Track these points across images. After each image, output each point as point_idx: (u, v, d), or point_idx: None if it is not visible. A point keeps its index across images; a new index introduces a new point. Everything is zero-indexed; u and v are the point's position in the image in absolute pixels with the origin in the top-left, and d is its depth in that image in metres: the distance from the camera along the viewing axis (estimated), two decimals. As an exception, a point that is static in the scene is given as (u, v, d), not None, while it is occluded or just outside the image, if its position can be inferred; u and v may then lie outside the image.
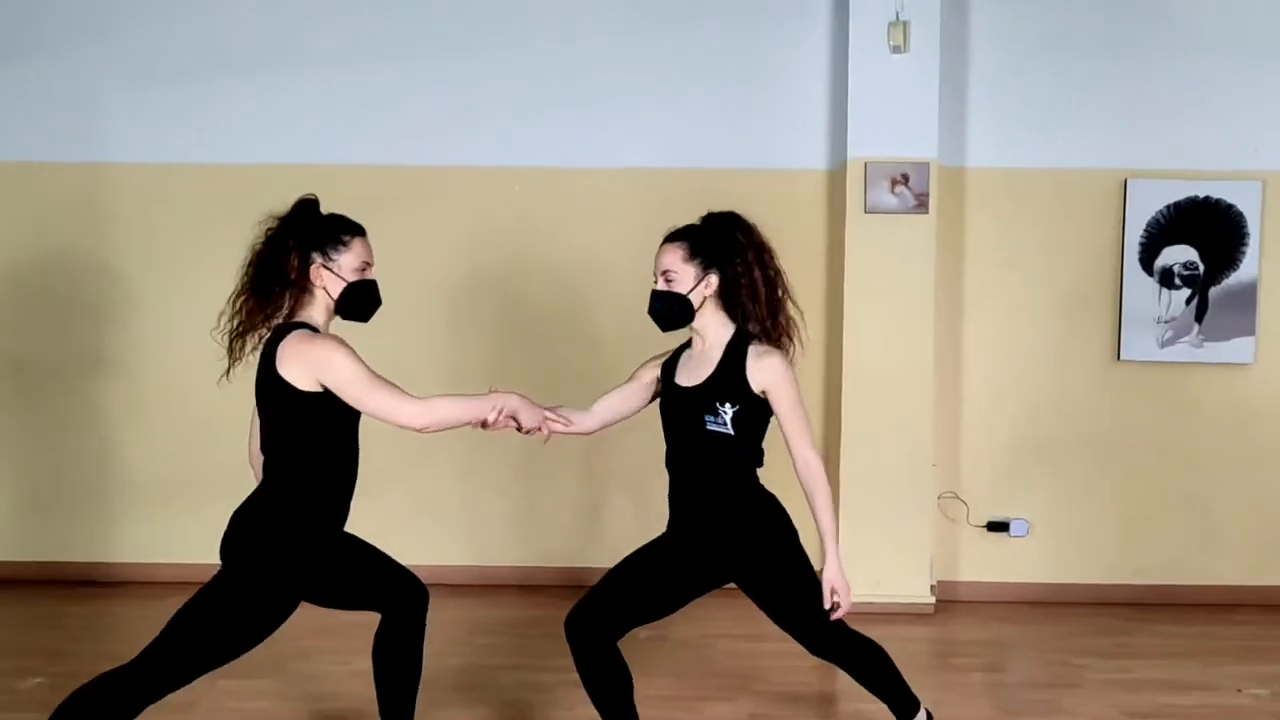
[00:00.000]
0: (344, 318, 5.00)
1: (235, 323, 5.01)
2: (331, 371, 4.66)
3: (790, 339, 5.18)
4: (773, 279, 5.09)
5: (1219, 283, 8.38)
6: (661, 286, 5.00)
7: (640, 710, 5.46)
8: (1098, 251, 8.45)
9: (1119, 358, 8.46)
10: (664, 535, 5.19)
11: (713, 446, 4.94)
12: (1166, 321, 8.40)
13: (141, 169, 8.60)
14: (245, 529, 4.88)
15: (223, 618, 4.70)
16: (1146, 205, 8.37)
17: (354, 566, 5.02)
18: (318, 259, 4.89)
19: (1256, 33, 8.39)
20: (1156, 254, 8.38)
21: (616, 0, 8.51)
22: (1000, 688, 6.77)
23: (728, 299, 5.01)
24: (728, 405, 4.88)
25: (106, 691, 4.63)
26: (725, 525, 4.98)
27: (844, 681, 6.93)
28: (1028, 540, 8.50)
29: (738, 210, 5.16)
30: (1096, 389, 8.50)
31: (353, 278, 4.92)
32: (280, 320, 4.90)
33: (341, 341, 4.74)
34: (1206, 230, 8.36)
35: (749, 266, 4.99)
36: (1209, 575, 8.51)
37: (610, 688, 5.01)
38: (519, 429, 4.86)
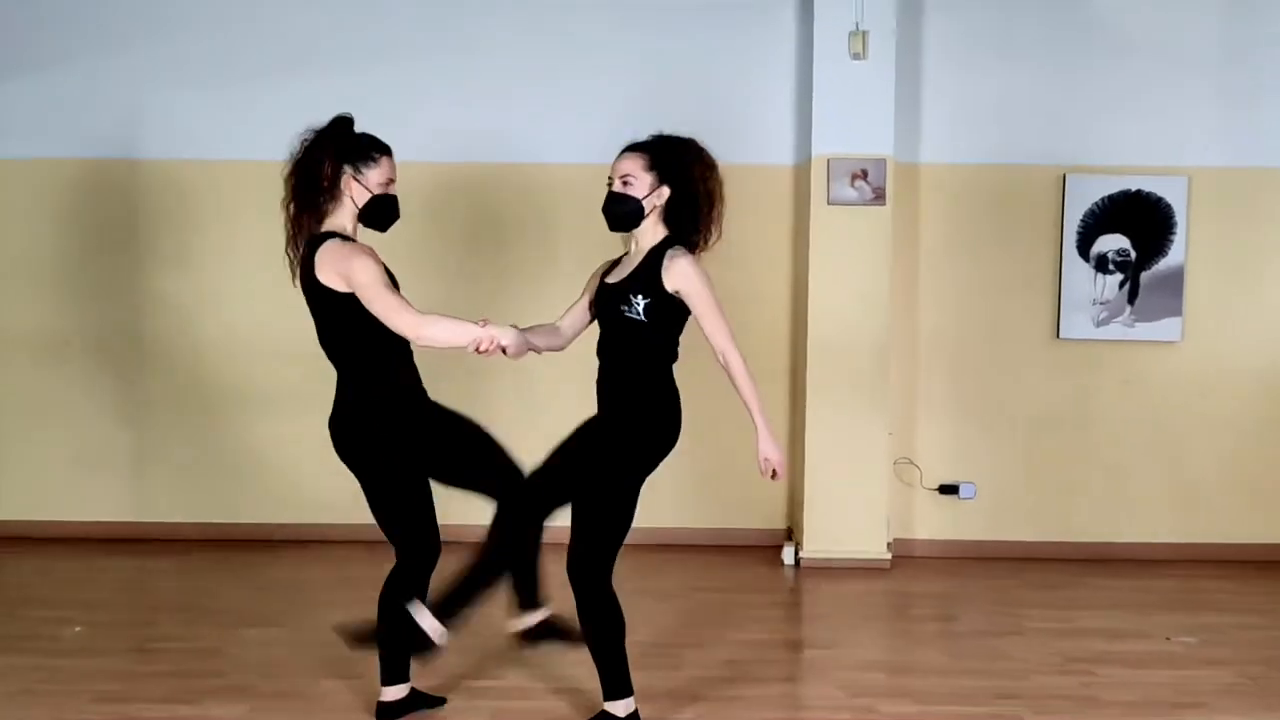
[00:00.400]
0: (365, 225, 5.18)
1: (288, 230, 5.32)
2: (354, 274, 4.85)
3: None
4: (712, 195, 5.04)
5: (1149, 268, 8.41)
6: (618, 189, 4.98)
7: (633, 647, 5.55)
8: (1039, 240, 8.47)
9: (1058, 336, 8.49)
10: (589, 420, 5.23)
11: (628, 332, 4.95)
12: (1101, 303, 8.43)
13: (175, 164, 8.59)
14: (343, 433, 5.03)
15: (402, 497, 5.04)
16: (1083, 198, 8.39)
17: (453, 437, 5.12)
18: (349, 170, 5.07)
19: (1182, 41, 8.39)
20: (1092, 242, 8.41)
21: (602, 11, 8.50)
22: (951, 636, 6.80)
23: (669, 212, 5.01)
24: (640, 297, 4.89)
25: (400, 578, 5.03)
26: (623, 404, 5.04)
27: (808, 630, 6.99)
28: (975, 502, 8.55)
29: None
30: (1038, 365, 8.53)
31: (378, 191, 5.09)
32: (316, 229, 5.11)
33: (369, 250, 4.94)
34: (1137, 220, 8.38)
35: (696, 185, 4.99)
36: (1138, 533, 8.56)
37: (605, 629, 4.99)
38: (504, 353, 4.88)
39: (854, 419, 8.13)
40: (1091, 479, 8.58)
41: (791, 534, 8.58)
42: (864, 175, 8.05)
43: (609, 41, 8.57)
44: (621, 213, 4.98)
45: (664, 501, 8.61)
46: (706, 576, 7.81)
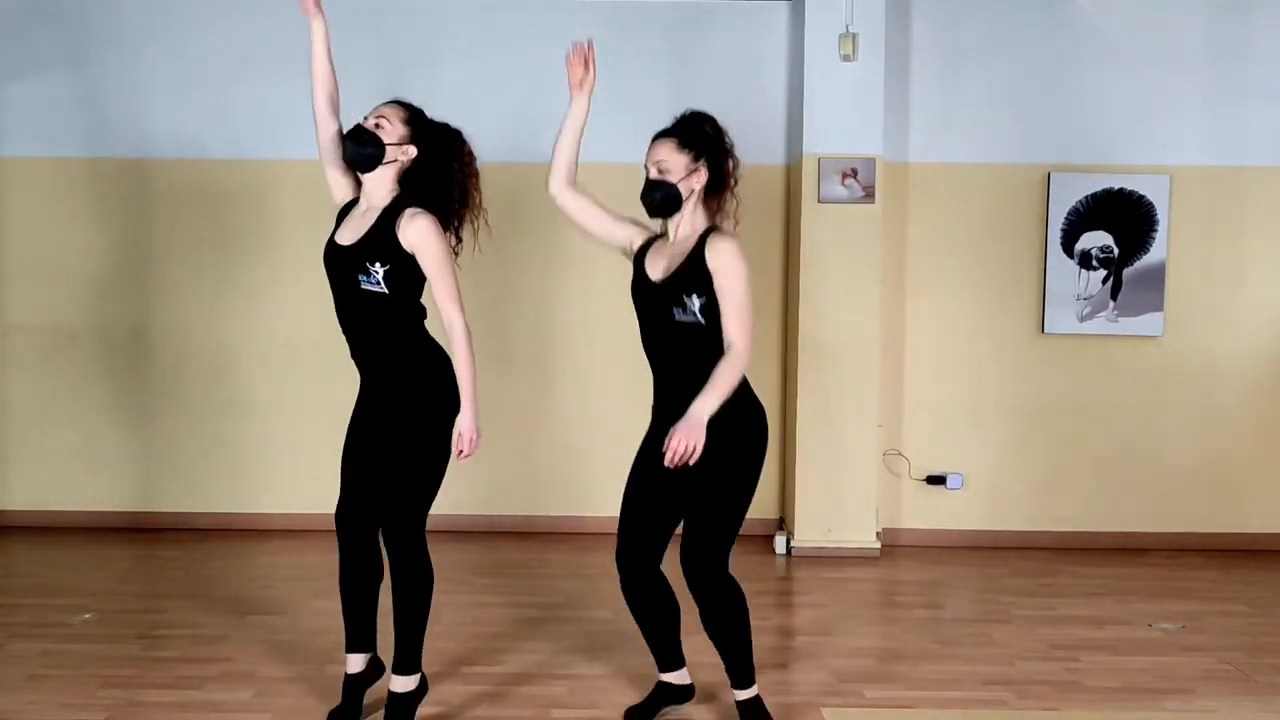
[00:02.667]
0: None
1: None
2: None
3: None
4: (733, 175, 4.86)
5: (1132, 264, 8.41)
6: (654, 176, 4.80)
7: (620, 640, 5.55)
8: (1024, 237, 8.49)
9: (1043, 331, 8.50)
10: (650, 431, 4.98)
11: (686, 337, 4.69)
12: (1085, 299, 8.43)
13: (183, 163, 8.59)
14: (411, 394, 4.89)
15: (434, 460, 4.82)
16: (1067, 196, 8.39)
17: None
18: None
19: (1165, 44, 8.41)
20: (1076, 239, 8.40)
21: (598, 14, 8.48)
22: (939, 623, 6.79)
23: (708, 193, 4.81)
24: (694, 297, 4.63)
25: (401, 547, 4.81)
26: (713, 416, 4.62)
27: (799, 617, 6.99)
28: (962, 492, 8.55)
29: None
30: (1023, 359, 8.54)
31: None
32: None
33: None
34: (1120, 218, 8.38)
35: (725, 162, 4.83)
36: (1121, 523, 8.56)
37: (735, 619, 4.95)
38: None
39: (843, 411, 8.14)
40: (1075, 470, 8.58)
41: (783, 523, 8.58)
42: (854, 174, 8.05)
43: (600, 43, 8.51)
44: (660, 198, 4.79)
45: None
46: None
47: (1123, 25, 8.43)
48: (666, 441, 4.50)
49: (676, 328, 4.70)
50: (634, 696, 5.32)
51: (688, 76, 8.51)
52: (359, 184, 5.03)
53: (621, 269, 5.13)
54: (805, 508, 8.20)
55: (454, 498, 8.48)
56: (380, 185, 4.93)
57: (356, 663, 5.12)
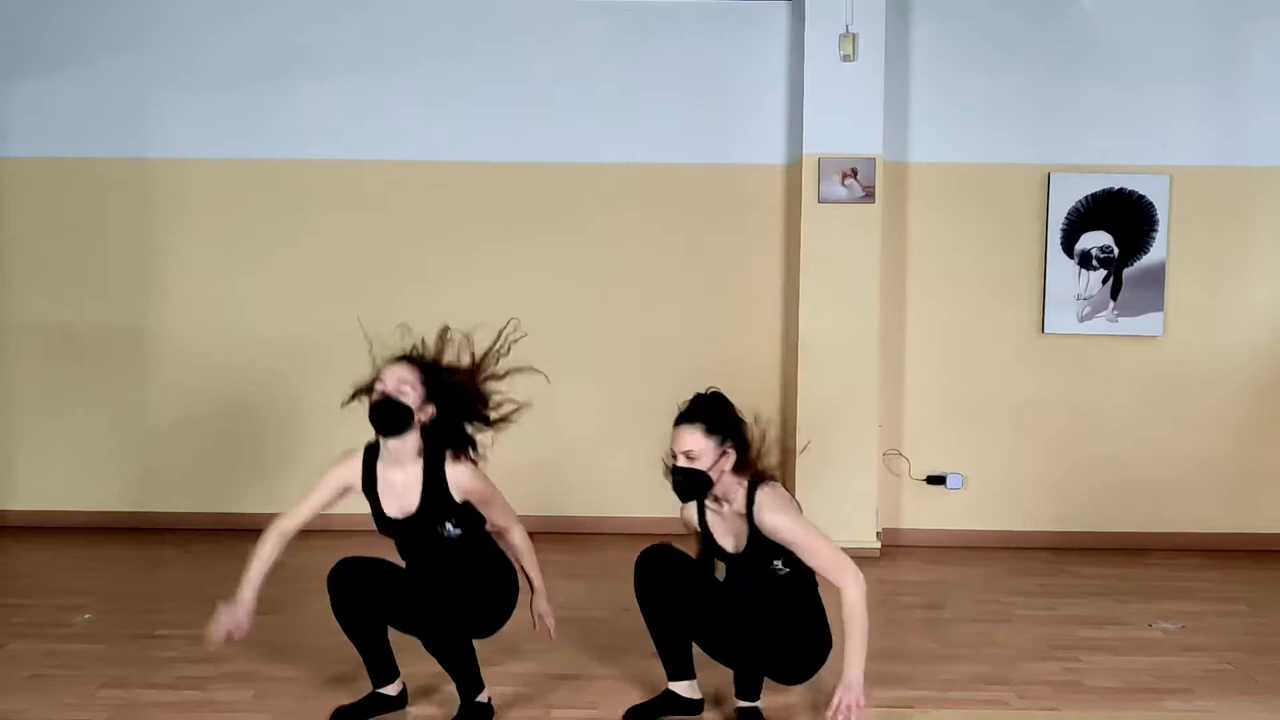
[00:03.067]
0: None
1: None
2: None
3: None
4: (756, 445, 5.01)
5: (1131, 264, 8.41)
6: (683, 464, 4.86)
7: (621, 640, 5.59)
8: (1024, 237, 8.50)
9: (1043, 331, 8.50)
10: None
11: (779, 586, 4.96)
12: (1085, 299, 8.42)
13: (181, 163, 8.61)
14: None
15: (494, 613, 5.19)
16: (1067, 196, 8.39)
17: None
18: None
19: (1166, 45, 8.41)
20: (1076, 239, 8.40)
21: (600, 17, 8.50)
22: (939, 623, 6.77)
23: (739, 463, 4.91)
24: (779, 562, 4.90)
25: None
26: (786, 637, 4.97)
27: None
28: (962, 492, 8.54)
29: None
30: (1023, 359, 8.53)
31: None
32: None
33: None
34: (1120, 218, 8.38)
35: (746, 437, 4.95)
36: (1120, 523, 8.56)
37: (668, 620, 5.07)
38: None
39: (844, 411, 8.13)
40: (1075, 470, 8.57)
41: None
42: (854, 174, 8.05)
43: (602, 43, 8.56)
44: (692, 487, 4.90)
45: (656, 494, 8.59)
46: None
47: (1123, 25, 8.42)
48: (835, 703, 4.72)
49: (774, 580, 4.93)
50: (635, 697, 5.30)
51: (688, 76, 8.52)
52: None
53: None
54: (805, 507, 8.13)
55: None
56: (407, 445, 5.02)
57: (392, 689, 5.18)
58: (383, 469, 5.07)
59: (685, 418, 4.93)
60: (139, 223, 8.65)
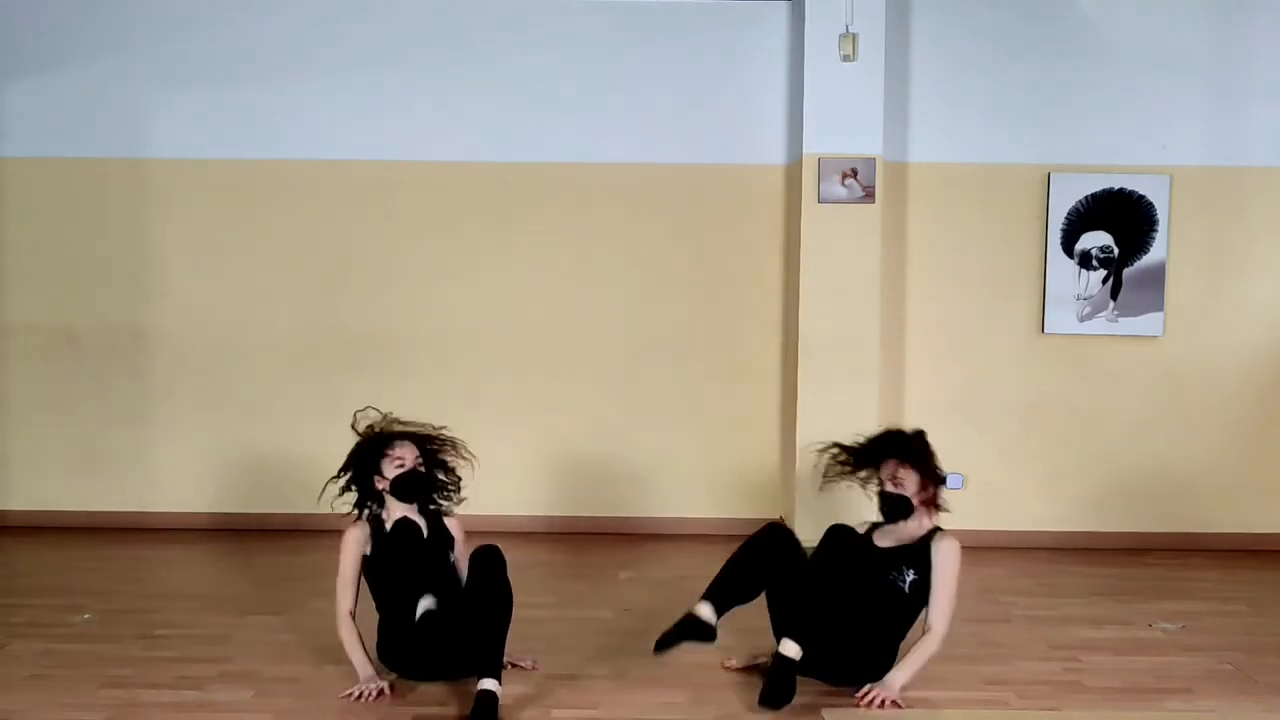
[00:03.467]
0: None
1: None
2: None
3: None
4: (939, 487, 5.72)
5: (1131, 264, 8.41)
6: (890, 489, 5.63)
7: (622, 641, 5.83)
8: (1024, 237, 8.50)
9: (1043, 331, 8.51)
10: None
11: (887, 597, 5.50)
12: (1085, 299, 8.43)
13: (179, 164, 8.63)
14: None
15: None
16: (1067, 195, 8.40)
17: None
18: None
19: (1165, 45, 8.41)
20: (1076, 239, 8.41)
21: (599, 15, 8.51)
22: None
23: (931, 501, 5.63)
24: (910, 571, 5.49)
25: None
26: (866, 654, 5.48)
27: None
28: (962, 492, 8.38)
29: None
30: (1023, 359, 8.53)
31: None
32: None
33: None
34: (1120, 218, 8.38)
35: (938, 477, 5.69)
36: (1120, 523, 8.56)
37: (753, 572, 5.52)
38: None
39: (844, 411, 8.03)
40: (1075, 470, 8.58)
41: (783, 522, 8.54)
42: (854, 174, 8.05)
43: (602, 42, 8.56)
44: (899, 508, 5.62)
45: (654, 491, 8.63)
46: (699, 564, 7.70)
47: (1122, 25, 8.43)
48: (867, 690, 5.30)
49: (886, 588, 5.49)
50: (636, 697, 5.32)
51: (688, 76, 8.53)
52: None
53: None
54: (805, 507, 8.17)
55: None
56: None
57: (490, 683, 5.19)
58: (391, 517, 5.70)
59: (907, 457, 5.66)
60: (137, 222, 8.65)
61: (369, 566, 5.55)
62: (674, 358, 8.59)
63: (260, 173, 8.59)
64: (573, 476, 8.75)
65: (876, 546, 5.65)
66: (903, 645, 5.50)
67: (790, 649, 5.23)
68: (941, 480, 5.71)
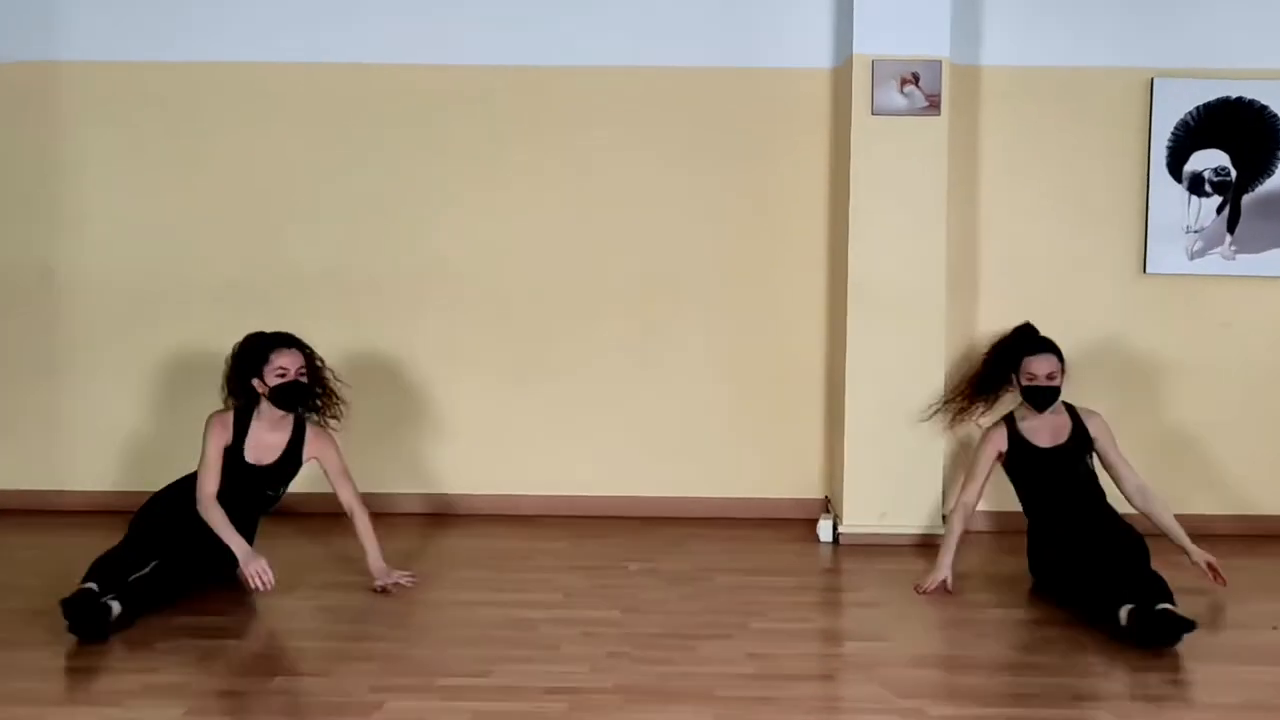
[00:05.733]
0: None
1: None
2: None
3: None
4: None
5: (1252, 190, 8.36)
6: (1043, 384, 7.30)
7: (631, 646, 5.80)
8: (1121, 156, 8.46)
9: (1145, 271, 8.47)
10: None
11: (1088, 481, 7.41)
12: (1196, 231, 8.38)
13: (92, 67, 8.60)
14: None
15: None
16: (1174, 106, 8.35)
17: None
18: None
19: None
20: (1185, 159, 8.35)
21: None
22: (1018, 625, 6.71)
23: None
24: (1090, 457, 7.45)
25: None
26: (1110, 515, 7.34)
27: (848, 619, 6.95)
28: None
29: None
30: (1121, 304, 8.47)
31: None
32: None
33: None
34: (1239, 133, 8.33)
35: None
36: (1241, 504, 8.52)
37: None
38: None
39: (904, 367, 8.09)
40: (1184, 439, 8.54)
41: (829, 505, 8.53)
42: (915, 80, 8.01)
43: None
44: (1054, 399, 7.36)
45: (670, 466, 8.62)
46: (727, 555, 7.77)
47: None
48: (1205, 560, 7.26)
49: (1082, 476, 7.40)
50: (635, 698, 5.36)
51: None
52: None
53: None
54: (856, 485, 8.15)
55: (429, 472, 8.50)
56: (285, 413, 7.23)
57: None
58: (257, 428, 7.10)
59: (1045, 347, 7.39)
60: (45, 139, 8.66)
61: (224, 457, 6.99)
62: (696, 305, 8.60)
63: (194, 78, 8.56)
64: (573, 448, 8.80)
65: (1042, 449, 7.38)
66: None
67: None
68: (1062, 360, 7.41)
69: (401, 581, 6.96)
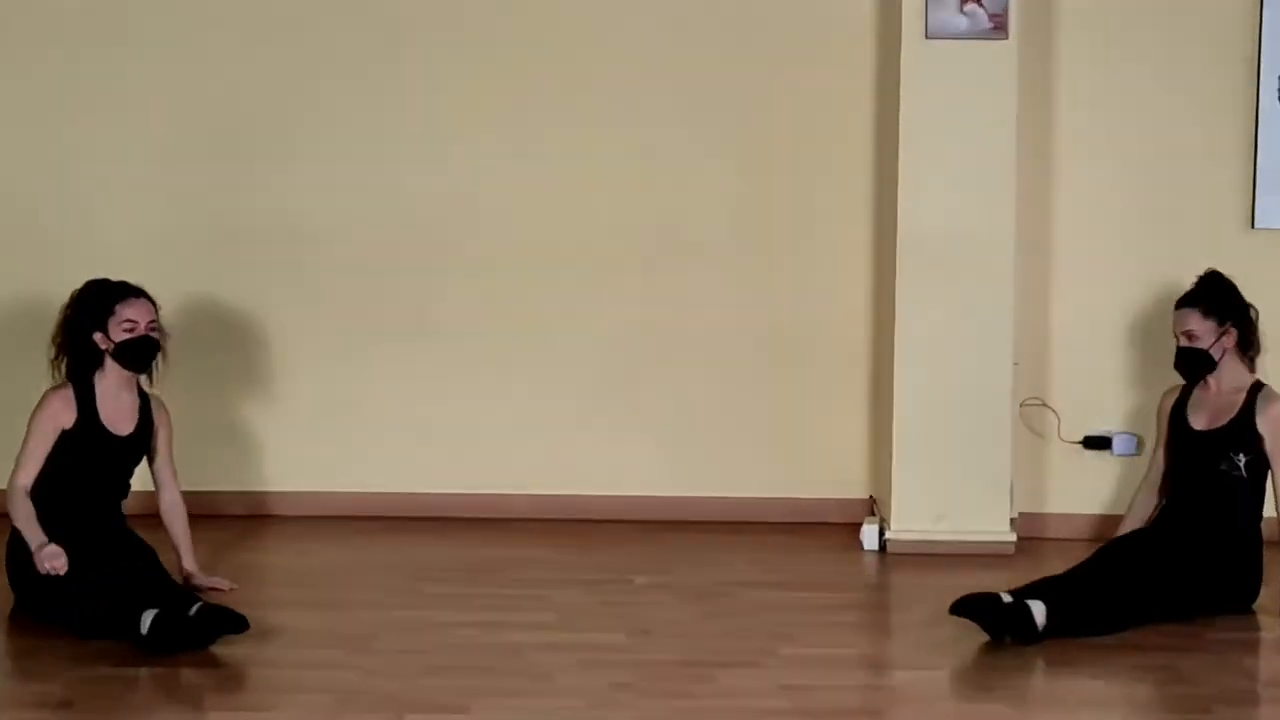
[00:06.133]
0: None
1: None
2: None
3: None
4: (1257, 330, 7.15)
5: (1391, 122, 8.27)
6: (1184, 344, 7.04)
7: (639, 677, 5.87)
8: (1224, 83, 8.41)
9: (1252, 225, 8.41)
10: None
11: (1226, 488, 6.96)
12: (1313, 178, 8.29)
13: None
14: None
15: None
16: (1289, 22, 8.24)
17: None
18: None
19: None
20: (1303, 91, 8.27)
21: None
22: (1097, 649, 6.50)
23: (1244, 342, 7.06)
24: (1242, 455, 6.88)
25: None
26: (1210, 553, 6.85)
27: (897, 643, 6.88)
28: (1136, 460, 8.39)
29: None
30: (1225, 263, 8.29)
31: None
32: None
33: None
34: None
35: (1249, 319, 7.09)
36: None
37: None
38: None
39: (963, 342, 8.01)
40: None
41: (875, 507, 8.46)
42: (977, -3, 7.91)
43: None
44: (1195, 367, 7.08)
45: (686, 461, 8.57)
46: (757, 566, 7.76)
47: None
48: None
49: (1219, 476, 6.95)
50: (635, 699, 5.48)
51: None
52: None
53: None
54: (907, 484, 8.10)
55: (390, 469, 8.44)
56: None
57: None
58: (104, 393, 7.00)
59: (1184, 300, 7.12)
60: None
61: (65, 442, 6.85)
62: (715, 263, 8.57)
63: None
64: (573, 441, 8.74)
65: (1194, 430, 7.09)
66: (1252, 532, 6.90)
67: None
68: (1244, 317, 7.06)
69: (220, 587, 7.00)
